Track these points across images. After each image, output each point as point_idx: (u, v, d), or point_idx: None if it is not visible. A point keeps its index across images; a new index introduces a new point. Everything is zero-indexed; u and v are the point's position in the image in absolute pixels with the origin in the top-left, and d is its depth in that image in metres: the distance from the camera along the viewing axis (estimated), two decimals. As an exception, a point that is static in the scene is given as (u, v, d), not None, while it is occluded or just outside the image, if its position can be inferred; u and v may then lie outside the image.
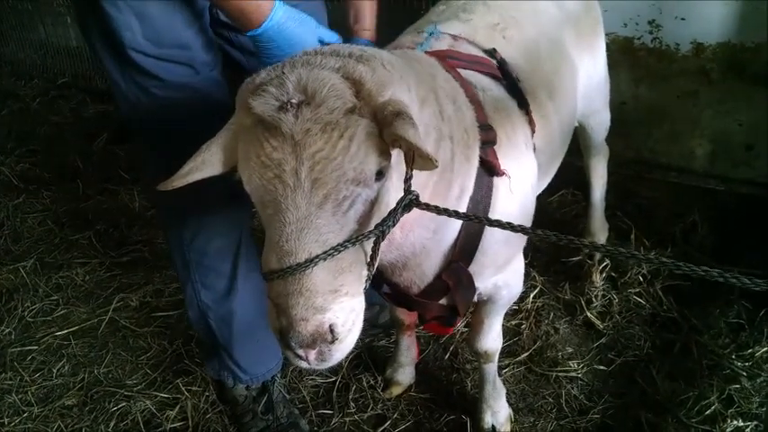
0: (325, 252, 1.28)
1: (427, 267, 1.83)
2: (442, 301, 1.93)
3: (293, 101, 1.31)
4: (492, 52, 2.04)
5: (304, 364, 1.35)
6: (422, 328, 2.87)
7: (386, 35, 2.26)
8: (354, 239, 1.32)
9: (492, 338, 2.37)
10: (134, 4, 1.94)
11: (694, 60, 3.25)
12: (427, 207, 1.39)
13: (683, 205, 3.49)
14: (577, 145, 2.61)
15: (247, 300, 2.47)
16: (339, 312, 1.31)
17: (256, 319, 2.50)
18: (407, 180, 1.38)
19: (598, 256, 3.24)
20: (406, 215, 1.45)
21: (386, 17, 2.30)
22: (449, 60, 1.91)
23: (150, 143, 2.25)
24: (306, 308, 1.28)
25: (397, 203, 1.37)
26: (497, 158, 1.77)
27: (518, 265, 2.14)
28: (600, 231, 3.37)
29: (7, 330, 3.28)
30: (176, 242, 2.41)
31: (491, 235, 1.82)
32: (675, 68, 3.31)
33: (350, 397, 2.79)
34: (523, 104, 2.01)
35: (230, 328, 2.50)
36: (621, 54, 3.31)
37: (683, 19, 3.18)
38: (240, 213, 2.39)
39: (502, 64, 2.03)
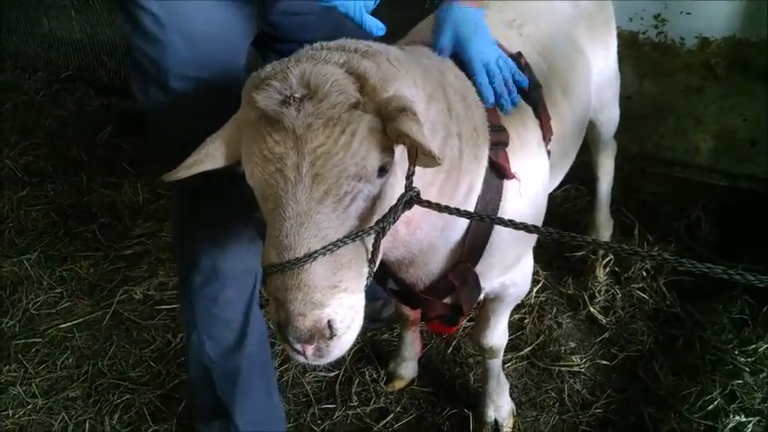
0: (324, 247, 1.28)
1: (434, 265, 1.82)
2: (447, 300, 1.92)
3: (296, 95, 1.31)
4: (517, 56, 2.00)
5: (301, 359, 1.35)
6: (426, 326, 2.88)
7: (392, 30, 2.24)
8: (354, 235, 1.32)
9: (498, 335, 2.36)
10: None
11: (699, 55, 3.24)
12: (428, 204, 1.39)
13: (686, 200, 3.48)
14: (583, 140, 2.60)
15: (255, 355, 2.29)
16: (338, 308, 1.31)
17: (264, 379, 2.36)
18: (409, 177, 1.37)
19: (602, 251, 3.24)
20: (412, 212, 1.45)
21: (389, 13, 2.28)
22: None
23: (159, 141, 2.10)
24: (304, 303, 1.28)
25: (398, 200, 1.37)
26: (508, 161, 1.76)
27: (526, 264, 2.13)
28: (605, 227, 3.36)
29: (11, 323, 3.30)
30: (186, 285, 2.23)
31: (498, 235, 1.82)
32: (680, 63, 3.30)
33: (353, 390, 2.80)
34: (540, 111, 1.97)
35: (234, 387, 2.29)
36: (626, 49, 3.30)
37: (688, 14, 3.16)
38: (257, 258, 2.16)
39: (525, 69, 1.97)
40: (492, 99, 1.80)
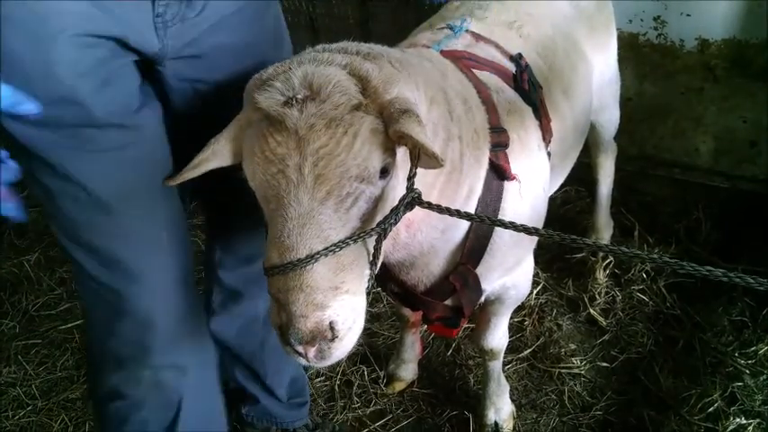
0: (326, 248, 1.28)
1: (435, 267, 1.82)
2: (448, 302, 1.92)
3: (298, 96, 1.31)
4: (518, 58, 2.00)
5: (303, 362, 1.34)
6: (426, 329, 2.87)
7: (390, 34, 2.24)
8: (356, 236, 1.32)
9: (498, 337, 2.37)
10: None
11: (699, 57, 3.24)
12: (429, 206, 1.39)
13: (686, 202, 3.48)
14: (584, 142, 2.61)
15: None
16: (339, 310, 1.30)
17: None
18: (411, 178, 1.37)
19: (602, 253, 3.24)
20: (413, 215, 1.45)
21: (391, 15, 2.28)
22: (463, 61, 1.89)
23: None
24: (306, 304, 1.27)
25: (399, 201, 1.37)
26: (508, 162, 1.76)
27: (527, 266, 2.13)
28: (605, 228, 3.36)
29: (11, 324, 3.29)
30: (92, 387, 1.94)
31: (500, 237, 1.81)
32: (680, 65, 3.30)
33: (353, 392, 2.80)
34: (540, 112, 1.97)
35: None
36: (626, 50, 3.30)
37: (688, 15, 3.16)
38: (181, 381, 1.90)
39: (526, 70, 1.98)
40: None
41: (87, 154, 1.51)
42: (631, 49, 3.34)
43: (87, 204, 1.56)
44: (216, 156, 1.45)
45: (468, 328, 2.92)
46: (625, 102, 3.26)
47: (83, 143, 1.50)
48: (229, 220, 2.09)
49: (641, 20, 3.28)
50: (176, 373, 1.86)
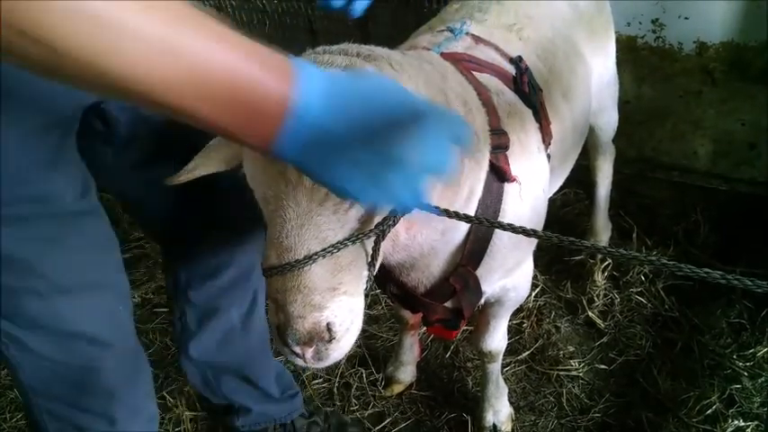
0: (324, 249, 1.28)
1: (435, 268, 1.82)
2: (448, 304, 1.92)
3: None
4: (518, 61, 2.01)
5: (301, 362, 1.34)
6: (426, 330, 2.87)
7: (391, 35, 2.24)
8: (354, 238, 1.32)
9: (497, 339, 2.36)
10: None
11: (697, 60, 3.24)
12: (428, 207, 1.38)
13: (685, 205, 3.49)
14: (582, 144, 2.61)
15: None
16: (337, 311, 1.30)
17: None
18: (410, 180, 1.37)
19: (600, 255, 3.24)
20: (411, 216, 1.45)
21: (391, 17, 2.28)
22: (464, 63, 1.89)
23: None
24: (303, 305, 1.27)
25: (399, 203, 1.37)
26: (509, 164, 1.76)
27: (527, 268, 2.12)
28: (603, 231, 3.37)
29: (9, 326, 3.28)
30: None
31: (500, 239, 1.81)
32: (678, 68, 3.31)
33: (351, 394, 2.80)
34: (540, 114, 1.97)
35: None
36: (625, 53, 3.30)
37: (686, 18, 3.16)
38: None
39: (526, 72, 1.98)
40: None
41: (51, 244, 1.53)
42: (630, 52, 3.35)
43: (49, 293, 1.56)
44: (211, 161, 1.44)
45: (467, 330, 2.93)
46: (623, 104, 3.26)
47: (50, 234, 1.52)
48: (186, 238, 2.06)
49: (639, 23, 3.29)
50: (144, 425, 1.91)
